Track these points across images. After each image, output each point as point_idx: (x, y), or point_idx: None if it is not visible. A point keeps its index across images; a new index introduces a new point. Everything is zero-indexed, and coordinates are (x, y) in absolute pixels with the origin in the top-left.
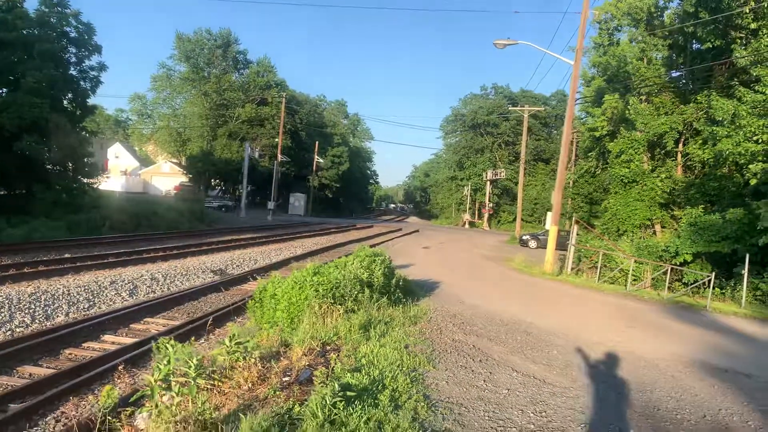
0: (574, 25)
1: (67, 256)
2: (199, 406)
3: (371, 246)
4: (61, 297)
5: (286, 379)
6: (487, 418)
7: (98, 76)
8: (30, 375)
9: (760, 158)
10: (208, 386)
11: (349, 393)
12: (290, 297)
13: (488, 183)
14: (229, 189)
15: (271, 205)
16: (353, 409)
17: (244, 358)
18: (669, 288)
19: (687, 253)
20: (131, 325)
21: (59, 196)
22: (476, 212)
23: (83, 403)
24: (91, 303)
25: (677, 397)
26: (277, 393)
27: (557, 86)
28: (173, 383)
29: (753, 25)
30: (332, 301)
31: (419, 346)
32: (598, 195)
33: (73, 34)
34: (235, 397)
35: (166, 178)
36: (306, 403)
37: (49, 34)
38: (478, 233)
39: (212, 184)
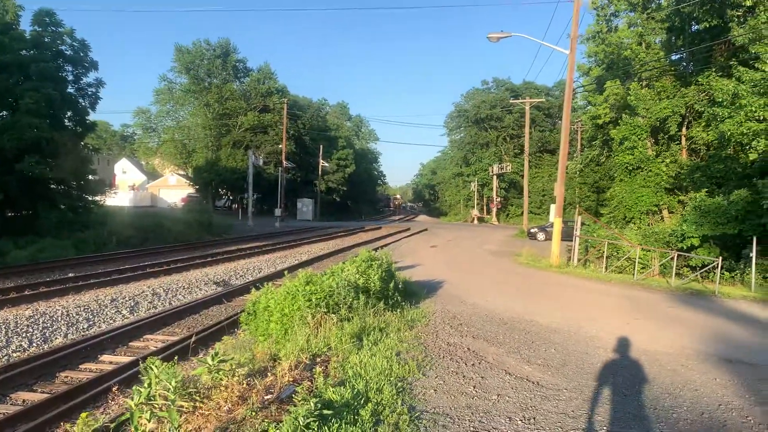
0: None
1: (70, 275)
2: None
3: (379, 248)
4: (60, 318)
5: (268, 397)
6: (472, 429)
7: (96, 92)
8: (23, 401)
9: (762, 137)
10: (190, 408)
11: (325, 411)
12: (283, 308)
13: (494, 177)
14: (236, 198)
15: (278, 212)
16: (329, 429)
17: (227, 376)
18: (678, 274)
19: (694, 237)
20: (130, 343)
21: (65, 214)
22: (484, 207)
23: (74, 429)
24: (91, 323)
25: (675, 393)
26: (256, 413)
27: (559, 76)
28: (153, 406)
29: (749, 2)
30: (326, 311)
31: (411, 352)
32: (605, 183)
33: (68, 52)
34: (214, 419)
35: (174, 190)
36: (282, 423)
37: (45, 54)
38: (486, 228)
39: (219, 193)
